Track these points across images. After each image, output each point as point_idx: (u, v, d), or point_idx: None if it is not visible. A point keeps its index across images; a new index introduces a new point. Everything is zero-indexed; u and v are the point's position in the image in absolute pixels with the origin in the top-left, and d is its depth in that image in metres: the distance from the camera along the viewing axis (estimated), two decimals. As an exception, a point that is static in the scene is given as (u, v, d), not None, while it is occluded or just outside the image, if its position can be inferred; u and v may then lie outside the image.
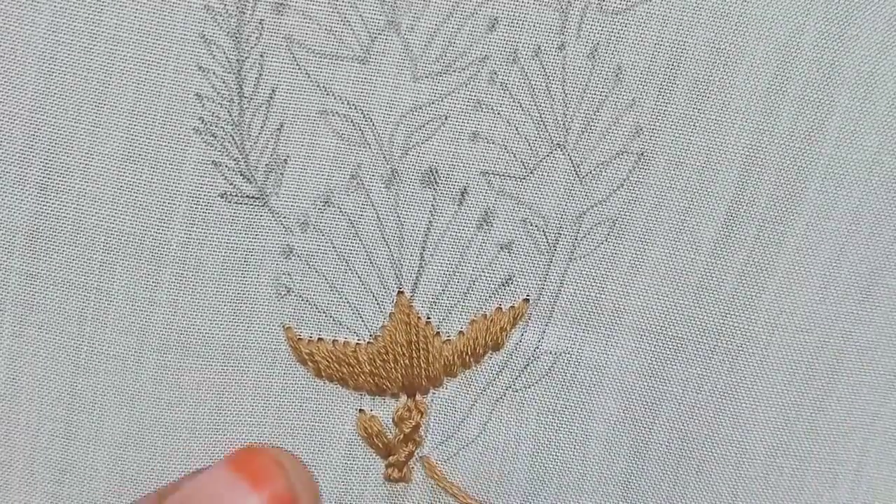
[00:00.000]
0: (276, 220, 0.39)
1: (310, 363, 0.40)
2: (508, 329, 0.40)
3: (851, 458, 0.41)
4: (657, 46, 0.38)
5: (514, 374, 0.41)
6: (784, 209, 0.39)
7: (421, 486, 0.41)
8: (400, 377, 0.40)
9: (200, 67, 0.37)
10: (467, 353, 0.40)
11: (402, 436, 0.41)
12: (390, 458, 0.41)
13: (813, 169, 0.39)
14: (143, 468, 0.40)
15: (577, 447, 0.41)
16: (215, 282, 0.39)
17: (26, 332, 0.39)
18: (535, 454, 0.41)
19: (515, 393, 0.41)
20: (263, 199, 0.39)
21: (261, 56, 0.38)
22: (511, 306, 0.40)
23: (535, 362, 0.41)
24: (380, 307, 0.40)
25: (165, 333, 0.39)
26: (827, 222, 0.39)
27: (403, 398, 0.41)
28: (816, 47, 0.38)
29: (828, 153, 0.39)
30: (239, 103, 0.38)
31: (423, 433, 0.41)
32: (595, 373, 0.41)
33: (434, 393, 0.41)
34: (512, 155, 0.39)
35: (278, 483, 0.36)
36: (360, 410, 0.41)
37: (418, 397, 0.41)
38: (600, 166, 0.39)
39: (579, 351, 0.40)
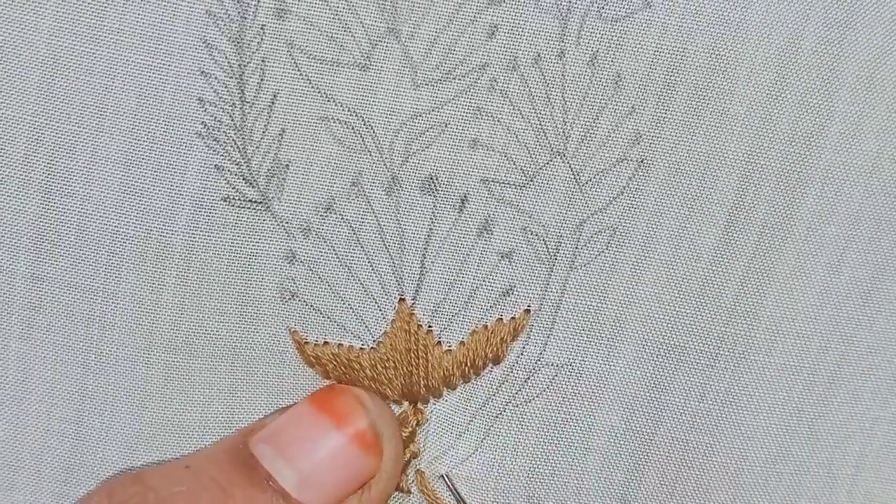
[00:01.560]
0: (278, 224, 0.39)
1: (317, 365, 0.40)
2: (509, 341, 0.40)
3: (849, 462, 0.40)
4: (657, 53, 0.38)
5: (514, 388, 0.40)
6: (784, 215, 0.39)
7: (419, 496, 0.41)
8: (399, 385, 0.40)
9: (202, 72, 0.38)
10: (467, 365, 0.40)
11: None
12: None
13: (813, 174, 0.39)
14: (153, 468, 0.40)
15: (577, 461, 0.41)
16: (220, 284, 0.39)
17: (34, 334, 0.40)
18: (533, 469, 0.41)
19: (516, 408, 0.41)
20: (266, 203, 0.39)
21: (262, 61, 0.38)
22: (512, 317, 0.40)
23: (536, 375, 0.40)
24: (382, 313, 0.40)
25: (173, 334, 0.40)
26: (827, 228, 0.39)
27: (405, 404, 0.41)
28: (815, 53, 0.38)
29: (827, 158, 0.38)
30: (241, 108, 0.38)
31: (420, 443, 0.41)
32: (597, 385, 0.40)
33: (434, 404, 0.41)
34: (512, 162, 0.39)
35: (361, 421, 0.38)
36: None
37: (419, 405, 0.41)
38: (600, 174, 0.39)
39: (581, 362, 0.40)
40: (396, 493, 0.41)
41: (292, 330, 0.40)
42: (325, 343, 0.40)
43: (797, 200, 0.39)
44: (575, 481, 0.41)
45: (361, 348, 0.40)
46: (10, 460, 0.41)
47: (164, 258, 0.39)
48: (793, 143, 0.38)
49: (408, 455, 0.41)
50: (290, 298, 0.40)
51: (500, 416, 0.41)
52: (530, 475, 0.41)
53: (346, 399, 0.39)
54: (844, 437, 0.40)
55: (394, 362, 0.40)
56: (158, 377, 0.40)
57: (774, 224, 0.39)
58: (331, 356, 0.40)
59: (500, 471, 0.41)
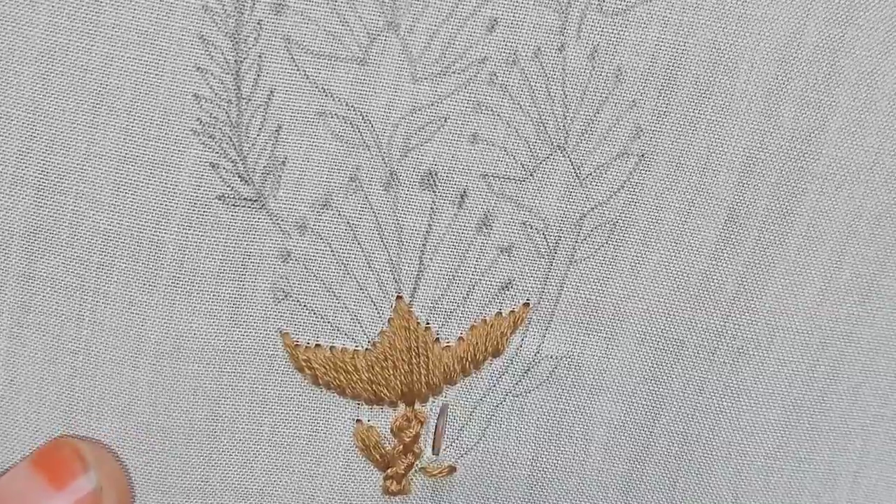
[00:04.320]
0: (273, 223, 0.38)
1: (307, 370, 0.40)
2: (508, 334, 0.40)
3: (851, 459, 0.41)
4: (657, 47, 0.38)
5: (514, 379, 0.40)
6: (785, 210, 0.39)
7: (419, 498, 0.41)
8: (399, 384, 0.40)
9: (198, 68, 0.37)
10: (467, 360, 0.40)
11: (401, 447, 0.40)
12: (389, 470, 0.41)
13: (813, 170, 0.39)
14: (140, 473, 0.40)
15: (578, 451, 0.41)
16: (212, 285, 0.39)
17: (23, 334, 0.39)
18: (536, 459, 0.41)
19: (516, 398, 0.41)
20: (261, 201, 0.38)
21: (259, 57, 0.37)
22: (511, 311, 0.40)
23: (535, 367, 0.40)
24: (378, 312, 0.40)
25: (162, 337, 0.39)
26: (827, 223, 0.39)
27: (402, 407, 0.40)
28: (817, 48, 0.38)
29: (828, 154, 0.39)
30: (237, 104, 0.38)
31: (422, 444, 0.41)
32: (596, 376, 0.40)
33: (433, 401, 0.41)
34: (512, 157, 0.39)
35: (80, 481, 0.36)
36: (357, 421, 0.40)
37: (417, 406, 0.40)
38: (601, 168, 0.39)
39: (580, 355, 0.40)
40: (396, 495, 0.41)
41: (283, 332, 0.39)
42: (317, 346, 0.40)
43: (798, 196, 0.39)
44: (577, 472, 0.41)
45: (356, 350, 0.40)
46: (0, 461, 0.40)
47: (156, 258, 0.38)
48: (794, 139, 0.39)
49: (409, 457, 0.40)
50: (283, 298, 0.39)
51: (500, 406, 0.40)
52: (533, 465, 0.41)
53: (65, 456, 0.37)
54: (845, 434, 0.41)
55: (392, 362, 0.40)
56: (145, 380, 0.39)
57: (775, 219, 0.39)
58: (323, 359, 0.40)
59: (502, 461, 0.41)
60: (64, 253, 0.38)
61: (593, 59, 0.38)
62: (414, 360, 0.40)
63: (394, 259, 0.39)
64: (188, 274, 0.39)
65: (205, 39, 0.37)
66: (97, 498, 0.36)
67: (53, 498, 0.36)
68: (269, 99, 0.38)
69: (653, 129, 0.39)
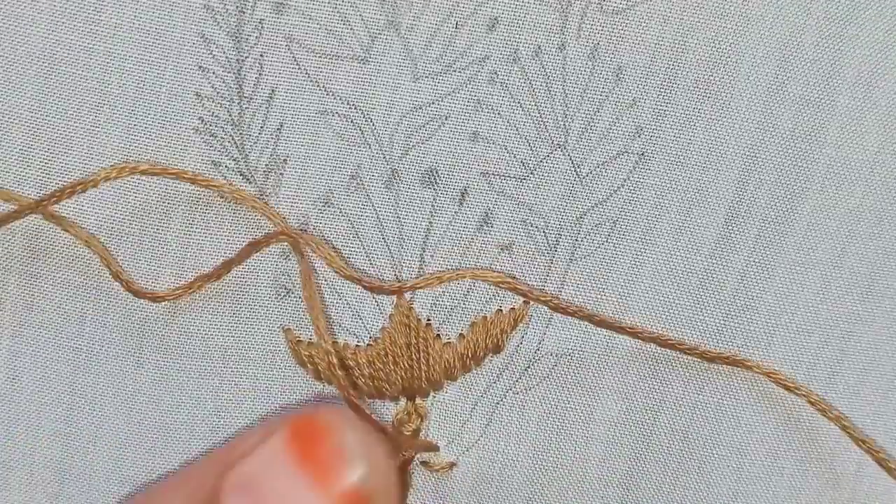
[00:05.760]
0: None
1: (309, 365, 0.40)
2: (509, 331, 0.40)
3: (852, 458, 0.41)
4: (658, 46, 0.38)
5: (514, 376, 0.40)
6: (785, 209, 0.39)
7: (420, 491, 0.41)
8: (400, 380, 0.40)
9: (200, 67, 0.37)
10: (468, 356, 0.40)
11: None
12: (390, 461, 0.41)
13: (814, 168, 0.39)
14: (143, 469, 0.40)
15: (579, 449, 0.41)
16: (214, 283, 0.39)
17: (26, 332, 0.39)
18: (536, 456, 0.41)
19: (516, 395, 0.41)
20: (263, 199, 0.39)
21: (261, 55, 0.37)
22: (511, 308, 0.40)
23: (535, 364, 0.40)
24: (380, 309, 0.40)
25: (164, 334, 0.39)
26: (828, 222, 0.39)
27: (403, 401, 0.41)
28: (817, 47, 0.38)
29: (828, 153, 0.39)
30: (239, 103, 0.38)
31: (422, 437, 0.41)
32: (596, 374, 0.40)
33: (434, 396, 0.41)
34: (512, 155, 0.39)
35: (345, 481, 0.32)
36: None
37: (418, 401, 0.41)
38: (601, 166, 0.39)
39: (580, 353, 0.40)
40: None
41: (286, 328, 0.40)
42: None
43: (798, 194, 0.39)
44: (577, 469, 0.41)
45: (357, 345, 0.40)
46: (2, 458, 0.40)
47: (158, 256, 0.39)
48: (794, 138, 0.39)
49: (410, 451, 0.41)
50: (284, 295, 0.39)
51: (500, 402, 0.41)
52: (533, 463, 0.41)
53: (330, 450, 0.33)
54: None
55: (393, 357, 0.40)
56: (148, 377, 0.40)
57: (775, 218, 0.39)
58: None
59: (503, 459, 0.41)
60: (67, 251, 0.38)
61: (594, 57, 0.38)
62: (414, 356, 0.40)
63: (395, 256, 0.39)
64: (190, 271, 0.39)
65: (206, 38, 0.37)
66: (367, 499, 0.32)
67: (315, 498, 0.32)
68: (271, 97, 0.38)
69: (653, 127, 0.39)
